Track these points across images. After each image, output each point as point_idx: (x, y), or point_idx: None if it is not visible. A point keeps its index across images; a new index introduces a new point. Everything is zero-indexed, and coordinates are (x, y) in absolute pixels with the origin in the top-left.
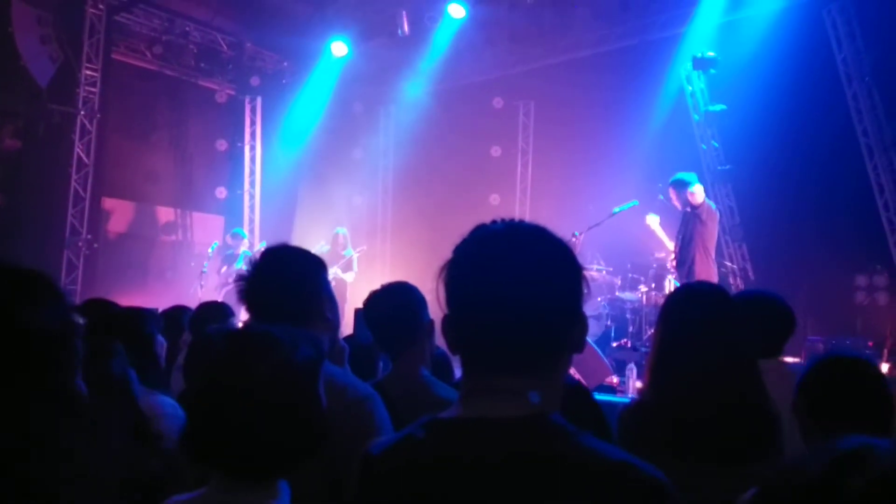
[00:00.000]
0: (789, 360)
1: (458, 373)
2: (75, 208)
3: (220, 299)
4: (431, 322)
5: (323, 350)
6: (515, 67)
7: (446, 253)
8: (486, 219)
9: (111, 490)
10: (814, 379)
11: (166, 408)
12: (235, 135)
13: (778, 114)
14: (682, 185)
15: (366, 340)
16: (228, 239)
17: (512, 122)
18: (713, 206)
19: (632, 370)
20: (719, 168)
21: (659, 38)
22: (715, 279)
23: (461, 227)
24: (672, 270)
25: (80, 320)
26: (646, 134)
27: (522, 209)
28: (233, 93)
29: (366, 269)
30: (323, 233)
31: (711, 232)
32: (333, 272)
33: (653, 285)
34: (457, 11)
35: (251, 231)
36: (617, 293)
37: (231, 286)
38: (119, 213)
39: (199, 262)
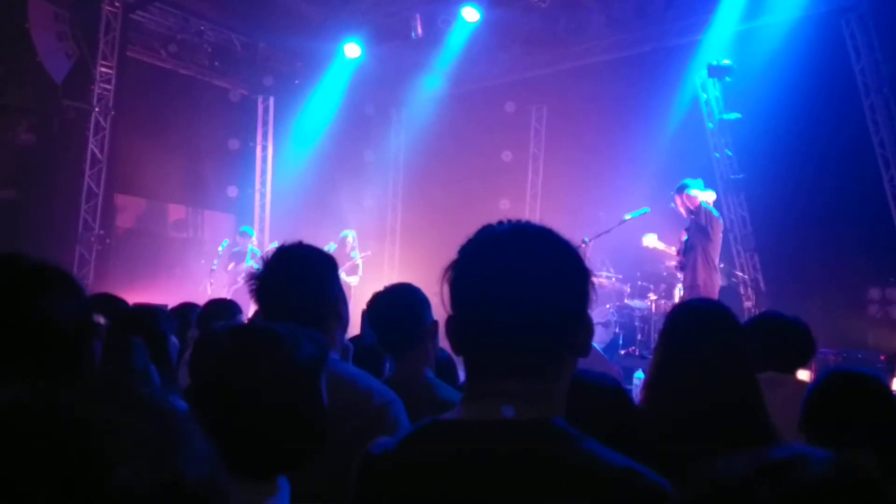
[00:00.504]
0: (803, 374)
1: (462, 376)
2: (88, 204)
3: (229, 297)
4: (435, 323)
5: (326, 349)
6: (528, 72)
7: (454, 257)
8: None
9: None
10: (819, 395)
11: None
12: (248, 134)
13: (793, 123)
14: (681, 189)
15: (372, 341)
16: (238, 238)
17: (524, 127)
18: (714, 212)
19: (640, 379)
20: (733, 177)
21: (674, 45)
22: (716, 286)
23: (470, 232)
24: (678, 276)
25: (101, 319)
26: (659, 141)
27: (532, 215)
28: (246, 92)
29: (374, 272)
30: (332, 233)
31: (713, 238)
32: (340, 276)
33: (662, 293)
34: (471, 15)
35: (261, 230)
36: (626, 301)
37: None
38: (131, 210)
39: (210, 260)
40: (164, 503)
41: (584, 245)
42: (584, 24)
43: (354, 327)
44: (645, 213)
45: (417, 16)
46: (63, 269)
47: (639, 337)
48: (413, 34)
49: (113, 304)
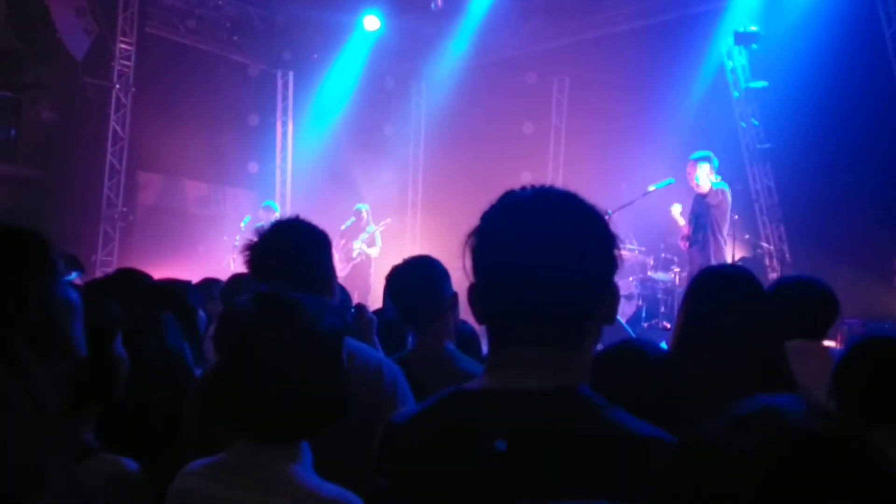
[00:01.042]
0: (829, 343)
1: (486, 349)
2: (111, 181)
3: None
4: (455, 295)
5: (346, 320)
6: (550, 42)
7: (476, 224)
8: None
9: None
10: (848, 363)
11: None
12: (267, 109)
13: (821, 91)
14: (693, 163)
15: (393, 315)
16: (261, 212)
17: (545, 99)
18: (725, 186)
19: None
20: (759, 146)
21: (699, 12)
22: (726, 260)
23: (490, 204)
24: (683, 248)
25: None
26: (683, 111)
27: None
28: (265, 67)
29: (394, 245)
30: (353, 207)
31: (723, 212)
32: (359, 247)
33: (686, 266)
34: None
35: (283, 206)
36: (649, 273)
37: None
38: (152, 187)
39: (232, 237)
40: None
41: (607, 217)
42: None
43: (376, 300)
44: (670, 184)
45: None
46: (41, 239)
47: (662, 309)
48: (433, 5)
49: (136, 279)
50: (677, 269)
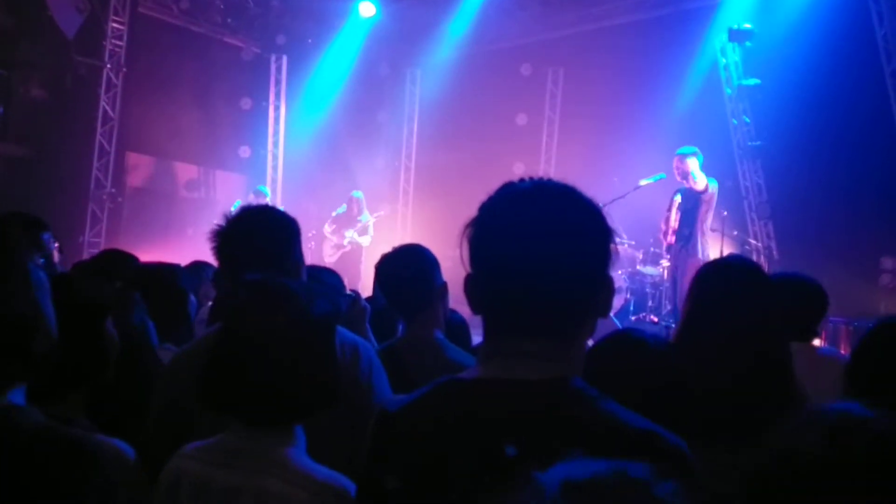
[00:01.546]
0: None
1: (475, 339)
2: (100, 162)
3: None
4: (445, 285)
5: (338, 306)
6: (546, 33)
7: (467, 219)
8: None
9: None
10: (869, 345)
11: None
12: (260, 93)
13: (813, 90)
14: (682, 157)
15: (383, 303)
16: (251, 197)
17: (539, 90)
18: (714, 182)
19: None
20: (750, 144)
21: (694, 8)
22: (709, 255)
23: (483, 194)
24: (664, 241)
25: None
26: (676, 106)
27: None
28: (258, 51)
29: (386, 233)
30: (344, 193)
31: (710, 208)
32: (350, 235)
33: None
34: None
35: (273, 191)
36: (638, 267)
37: None
38: (142, 169)
39: (221, 221)
40: None
41: None
42: None
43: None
44: (661, 178)
45: None
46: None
47: (650, 303)
48: None
49: (123, 261)
50: (666, 264)
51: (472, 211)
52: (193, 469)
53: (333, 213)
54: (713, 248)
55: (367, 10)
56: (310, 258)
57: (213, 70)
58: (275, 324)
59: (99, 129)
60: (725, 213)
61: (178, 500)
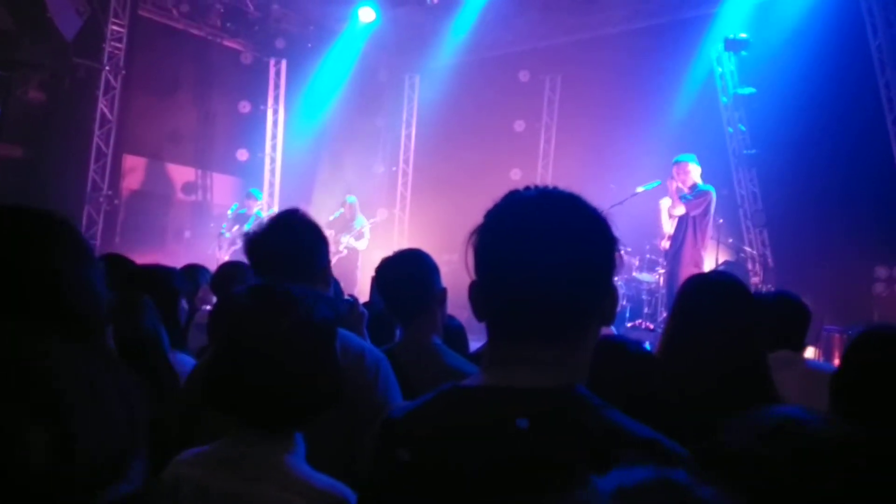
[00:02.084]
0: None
1: (473, 346)
2: (97, 164)
3: (227, 258)
4: (444, 290)
5: (340, 312)
6: (544, 41)
7: (464, 225)
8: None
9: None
10: (858, 351)
11: (186, 366)
12: (259, 97)
13: (808, 99)
14: (683, 165)
15: (381, 307)
16: (245, 199)
17: (537, 97)
18: (709, 188)
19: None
20: (745, 152)
21: (691, 17)
22: (701, 265)
23: (480, 201)
24: (664, 248)
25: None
26: (672, 114)
27: (543, 185)
28: (257, 55)
29: (383, 238)
30: (342, 198)
31: (703, 216)
32: (346, 241)
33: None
34: None
35: (270, 195)
36: (634, 273)
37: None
38: (139, 171)
39: (218, 224)
40: None
41: None
42: None
43: (364, 294)
44: (657, 185)
45: None
46: (69, 221)
47: (646, 310)
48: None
49: (119, 264)
50: (661, 270)
51: (468, 216)
52: (192, 475)
53: (330, 218)
54: (708, 256)
55: (366, 15)
56: None
57: (211, 73)
58: (276, 328)
59: (96, 131)
60: (721, 220)
61: None
